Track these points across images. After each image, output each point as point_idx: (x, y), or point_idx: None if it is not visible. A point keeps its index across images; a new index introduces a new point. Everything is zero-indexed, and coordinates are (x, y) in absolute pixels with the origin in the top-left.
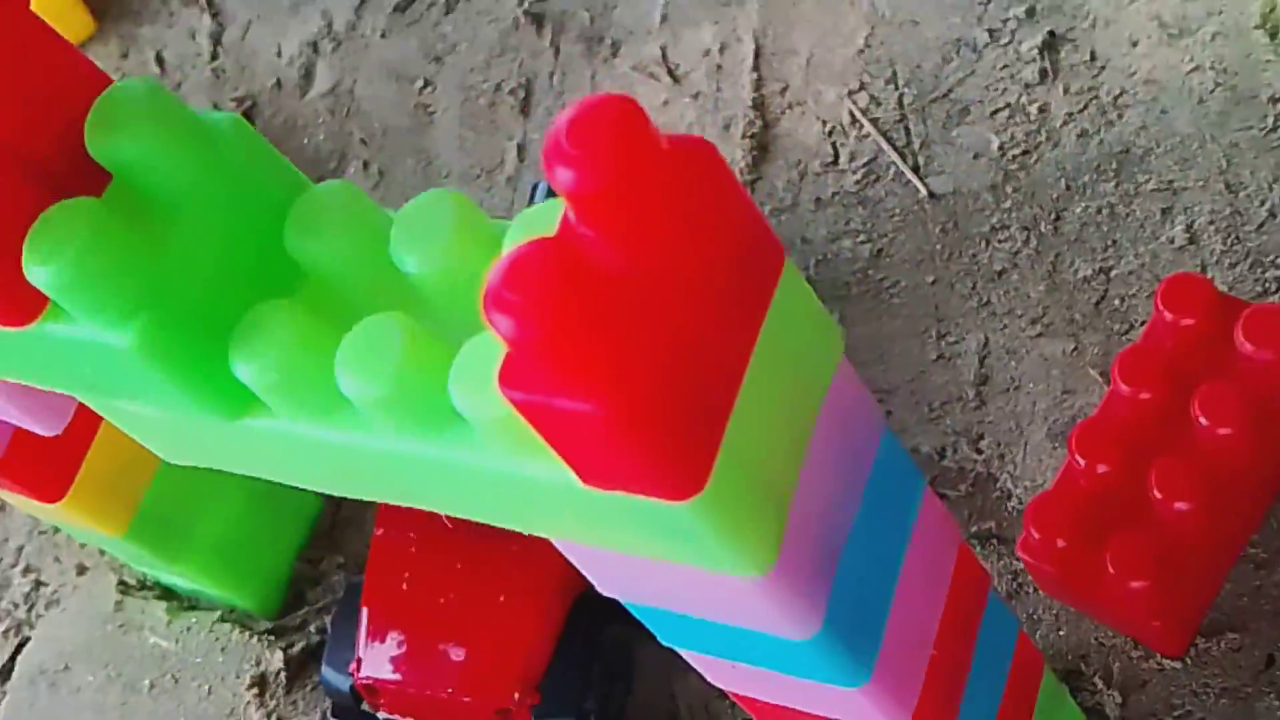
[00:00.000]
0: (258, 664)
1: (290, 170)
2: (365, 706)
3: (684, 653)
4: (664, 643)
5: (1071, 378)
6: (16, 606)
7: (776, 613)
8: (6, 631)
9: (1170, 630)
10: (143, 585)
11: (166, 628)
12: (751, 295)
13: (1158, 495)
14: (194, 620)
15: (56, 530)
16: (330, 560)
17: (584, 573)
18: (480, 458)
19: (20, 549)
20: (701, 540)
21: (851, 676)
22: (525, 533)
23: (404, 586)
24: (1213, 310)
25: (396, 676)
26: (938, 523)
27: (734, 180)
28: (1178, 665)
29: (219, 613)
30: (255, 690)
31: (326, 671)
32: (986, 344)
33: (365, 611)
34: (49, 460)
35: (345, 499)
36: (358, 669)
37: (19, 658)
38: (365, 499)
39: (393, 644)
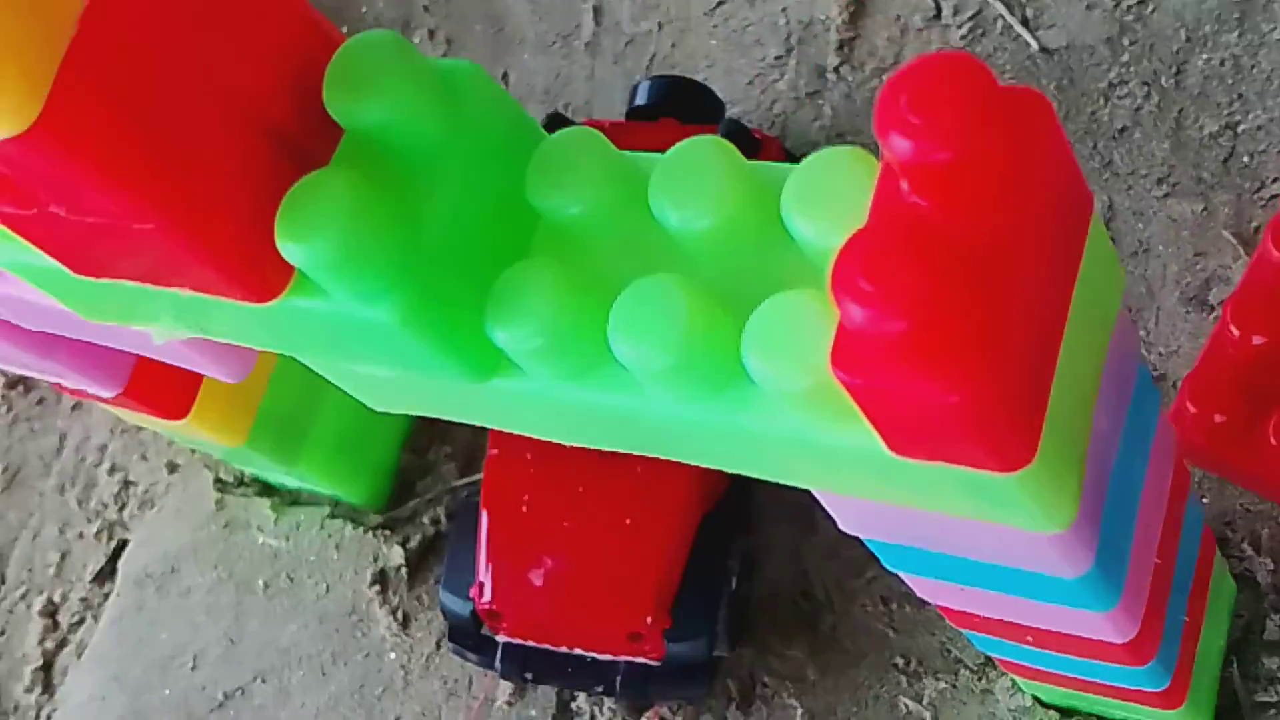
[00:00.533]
0: (376, 560)
1: (524, 116)
2: (485, 630)
3: (909, 577)
4: (889, 567)
5: (1202, 240)
6: (106, 507)
7: (1057, 557)
8: (99, 533)
9: None
10: (241, 482)
11: (274, 525)
12: (1068, 252)
13: None
14: (301, 517)
15: (140, 428)
16: (438, 450)
17: (834, 513)
18: (774, 424)
19: (104, 447)
20: (1017, 505)
21: (1105, 603)
22: (805, 487)
23: (524, 509)
24: None
25: (520, 600)
26: (1165, 437)
27: (1062, 134)
28: None
29: (327, 508)
30: (377, 587)
31: (444, 595)
32: (1111, 206)
33: (485, 535)
34: (172, 381)
35: None
36: (479, 594)
37: (120, 560)
38: (622, 450)
39: (516, 568)
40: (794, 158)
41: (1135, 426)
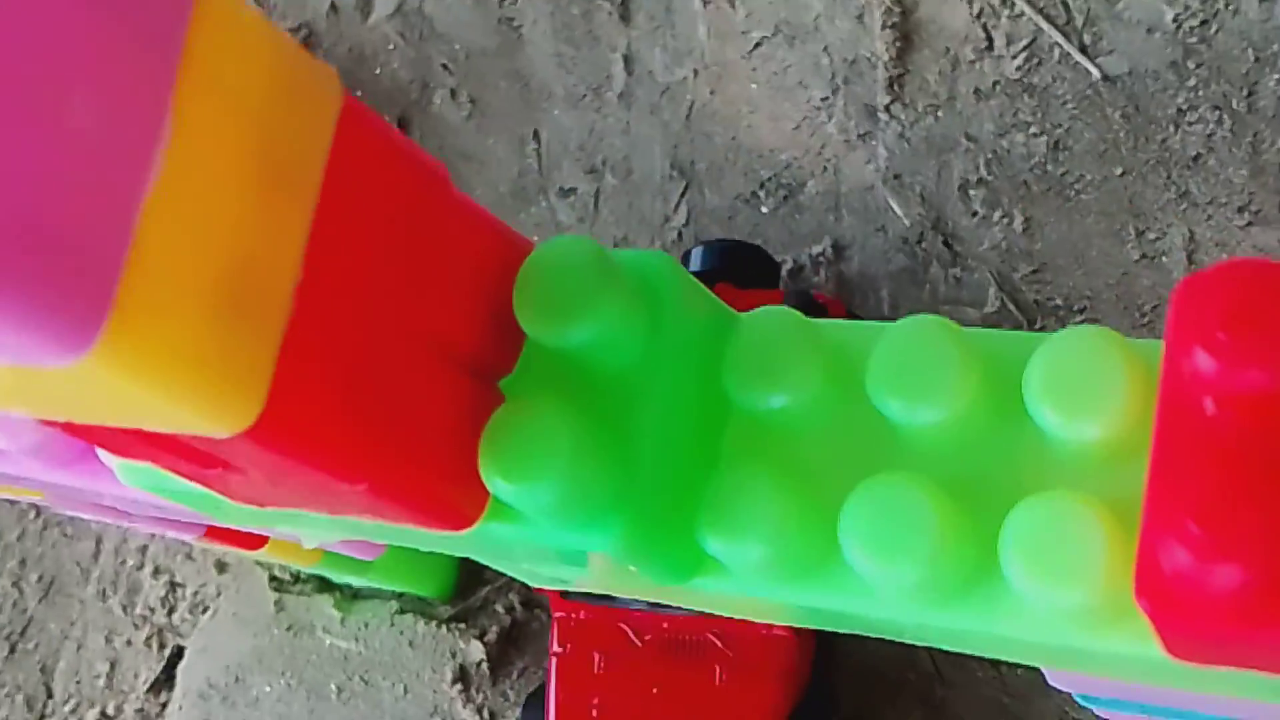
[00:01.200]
0: (454, 656)
1: (715, 302)
2: None
3: (1098, 710)
4: (1082, 703)
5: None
6: (154, 611)
7: None
8: (149, 639)
9: None
10: (297, 579)
11: (340, 625)
12: None
13: None
14: (370, 615)
15: None
16: None
17: (1044, 671)
18: (1036, 633)
19: (144, 549)
20: None
21: None
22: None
23: (594, 713)
24: None
25: None
26: None
27: None
28: None
29: (394, 603)
30: (459, 685)
31: None
32: (1192, 238)
33: None
34: None
35: None
36: None
37: (179, 670)
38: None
39: None
40: (856, 317)
41: None
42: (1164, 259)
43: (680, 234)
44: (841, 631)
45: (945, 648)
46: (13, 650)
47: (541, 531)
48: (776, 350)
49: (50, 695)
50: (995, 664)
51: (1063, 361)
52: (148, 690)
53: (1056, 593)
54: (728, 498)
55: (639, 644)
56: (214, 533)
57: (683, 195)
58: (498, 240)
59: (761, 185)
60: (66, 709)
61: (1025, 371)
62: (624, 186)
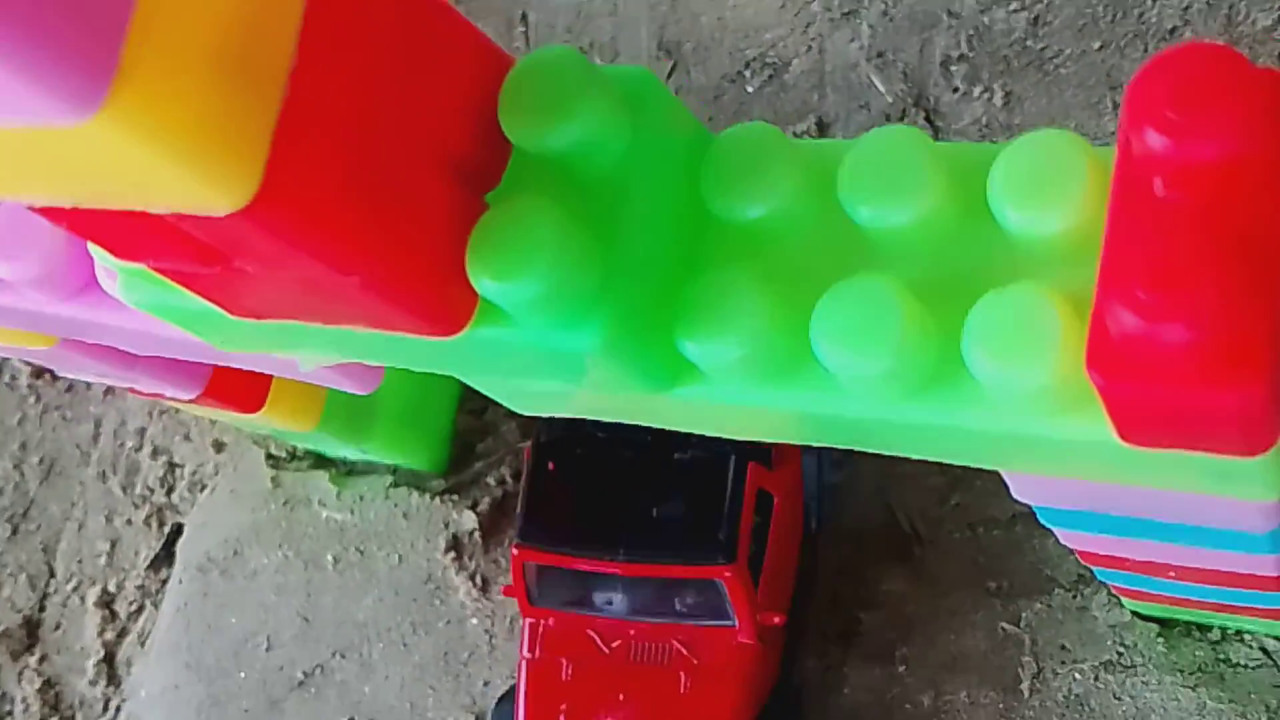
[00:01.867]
0: (447, 526)
1: (693, 120)
2: None
3: (1059, 529)
4: (1045, 523)
5: None
6: (153, 491)
7: (1260, 519)
8: (148, 518)
9: None
10: (293, 456)
11: (336, 499)
12: None
13: None
14: (364, 488)
15: (178, 409)
16: (495, 410)
17: (1008, 482)
18: (997, 421)
19: (143, 431)
20: (1248, 481)
21: (1276, 546)
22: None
23: (562, 719)
24: None
25: None
26: None
27: None
28: None
29: (389, 477)
30: (452, 554)
31: None
32: None
33: None
34: (246, 379)
35: None
36: None
37: (178, 545)
38: (810, 443)
39: None
40: None
41: None
42: None
43: None
44: (812, 445)
45: (912, 454)
46: (15, 531)
47: (528, 333)
48: (752, 162)
49: (53, 574)
50: (971, 526)
51: (1025, 162)
52: (148, 567)
53: (1015, 377)
54: (705, 301)
55: (606, 651)
56: (212, 390)
57: (670, 75)
58: (485, 52)
59: (747, 64)
60: (69, 587)
61: (989, 173)
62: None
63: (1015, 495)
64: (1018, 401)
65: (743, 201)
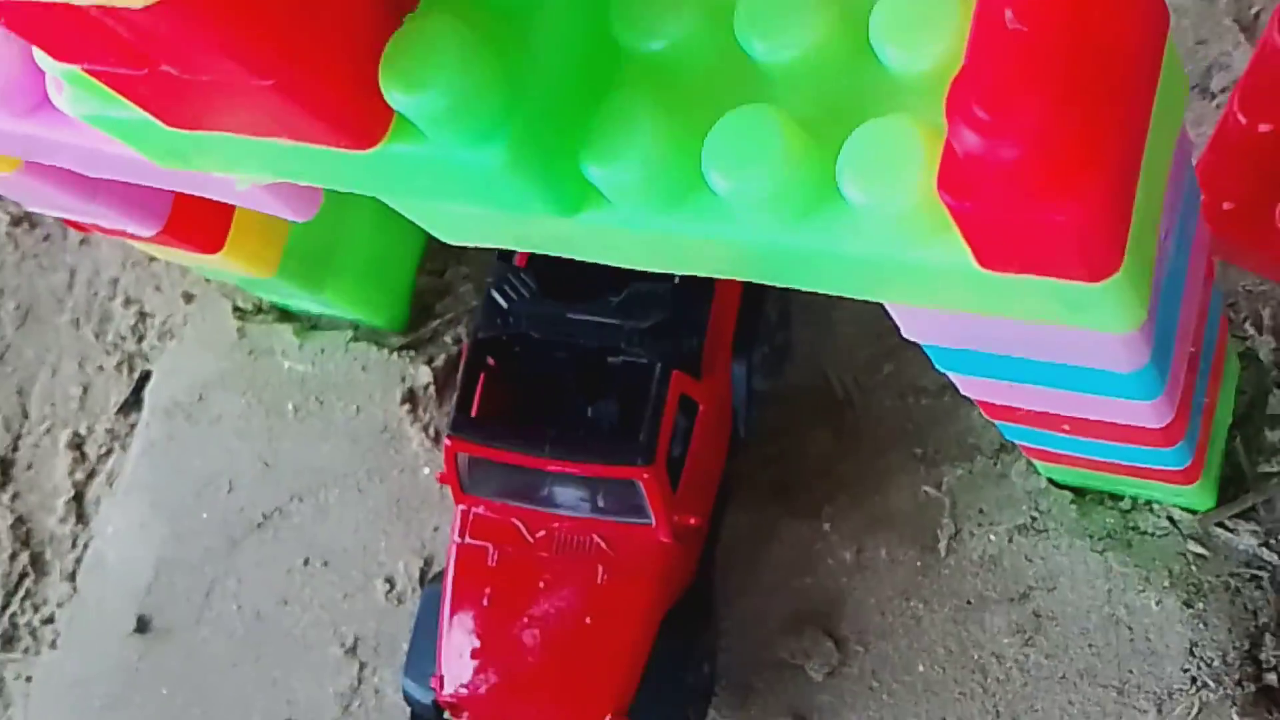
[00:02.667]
0: (403, 380)
1: None
2: (447, 718)
3: (957, 376)
4: (941, 368)
5: (1203, 27)
6: (124, 339)
7: (1123, 355)
8: (119, 365)
9: None
10: (259, 309)
11: (299, 350)
12: (1150, 69)
13: None
14: (325, 341)
15: (152, 260)
16: (455, 270)
17: (895, 319)
18: (868, 245)
19: (115, 281)
20: (1099, 310)
21: (1153, 392)
22: (886, 302)
23: (485, 602)
24: None
25: (481, 695)
26: (1203, 233)
27: None
28: None
29: (349, 332)
30: (407, 406)
31: (406, 682)
32: None
33: (447, 625)
34: (207, 218)
35: None
36: (440, 685)
37: (146, 391)
38: (708, 274)
39: (476, 661)
40: None
41: (1185, 228)
42: None
43: None
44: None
45: (797, 285)
46: None
47: (438, 148)
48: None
49: (26, 416)
50: (901, 394)
51: (903, 3)
52: (118, 411)
53: (882, 201)
54: (607, 127)
55: (531, 540)
56: (171, 228)
57: None
58: None
59: None
60: (41, 429)
61: (871, 13)
62: None
63: (904, 333)
64: (887, 226)
65: (646, 34)
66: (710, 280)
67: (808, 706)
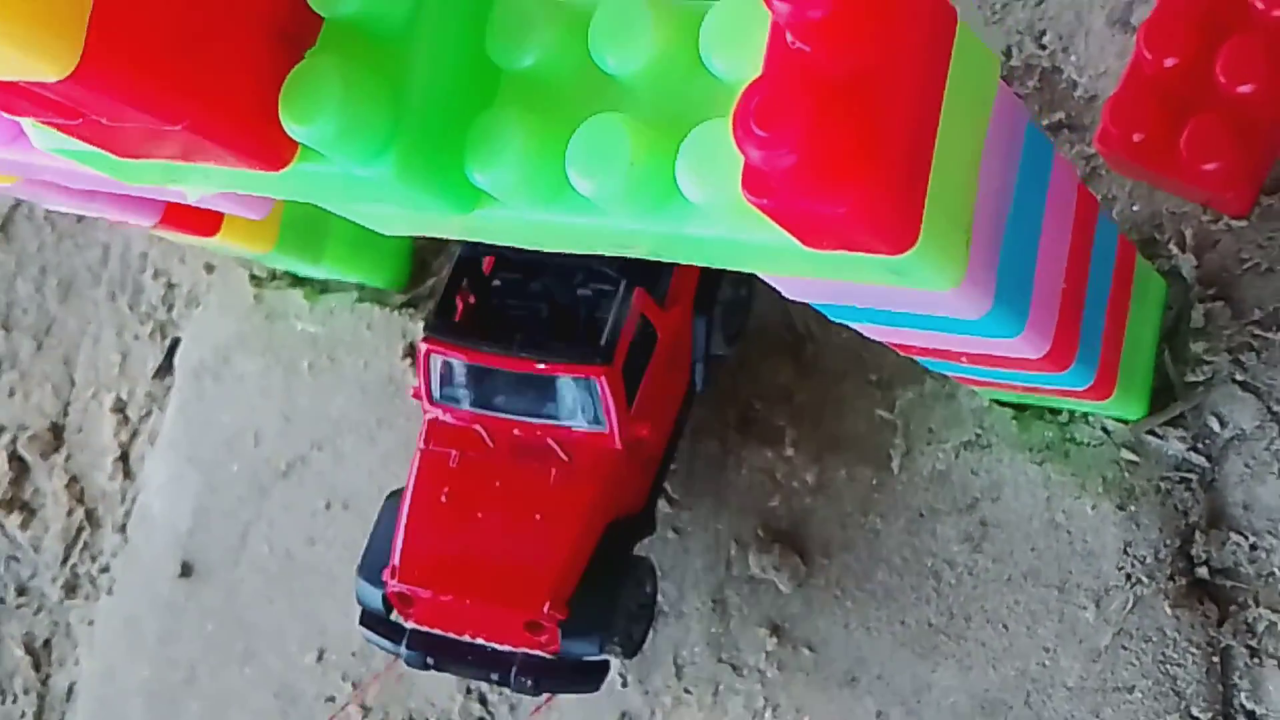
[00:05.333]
0: (404, 335)
1: None
2: (395, 617)
3: (847, 323)
4: (833, 319)
5: None
6: (155, 309)
7: (958, 305)
8: (152, 333)
9: (1239, 195)
10: (274, 276)
11: (310, 313)
12: (937, 63)
13: (1223, 80)
14: (333, 303)
15: None
16: None
17: (773, 283)
18: (710, 231)
19: (145, 255)
20: (911, 274)
21: (1012, 330)
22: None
23: (443, 499)
24: None
25: (430, 584)
26: (1064, 177)
27: None
28: (1244, 224)
29: (355, 293)
30: (409, 359)
31: (359, 583)
32: None
33: (404, 520)
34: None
35: None
36: (391, 575)
37: (176, 356)
38: (588, 251)
39: (429, 553)
40: None
41: (1030, 178)
42: None
43: None
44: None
45: (666, 258)
46: (40, 346)
47: (338, 166)
48: (525, 18)
49: (73, 383)
50: None
51: (726, 20)
52: (154, 376)
53: (713, 197)
54: (486, 138)
55: (491, 444)
56: (169, 218)
57: None
58: None
59: None
60: (88, 394)
61: (701, 28)
62: None
63: (785, 295)
64: (722, 217)
65: (517, 52)
66: None
67: (780, 616)
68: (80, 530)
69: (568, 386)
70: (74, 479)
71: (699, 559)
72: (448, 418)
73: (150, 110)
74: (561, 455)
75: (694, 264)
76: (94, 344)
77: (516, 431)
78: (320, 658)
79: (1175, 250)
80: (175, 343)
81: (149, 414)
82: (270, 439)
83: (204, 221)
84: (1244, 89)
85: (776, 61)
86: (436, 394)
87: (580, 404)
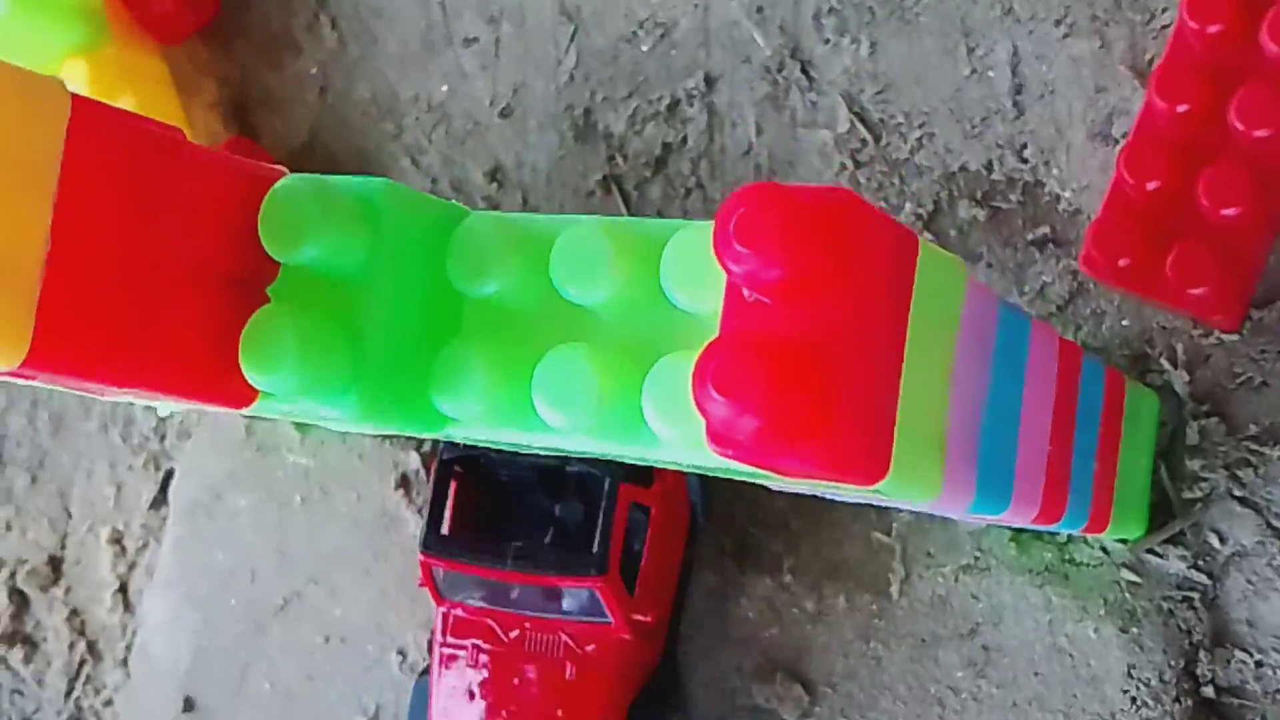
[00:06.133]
0: (395, 465)
1: (444, 207)
2: None
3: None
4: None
5: (1102, 75)
6: (148, 439)
7: (942, 506)
8: (146, 464)
9: (1228, 315)
10: None
11: (300, 445)
12: (899, 294)
13: (1206, 204)
14: (323, 434)
15: None
16: None
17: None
18: (677, 459)
19: None
20: (889, 495)
21: (997, 510)
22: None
23: (466, 698)
24: (1239, 11)
25: None
26: (1043, 341)
27: (871, 210)
28: (1235, 337)
29: None
30: (401, 490)
31: None
32: (1016, 52)
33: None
34: None
35: None
36: None
37: (170, 490)
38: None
39: None
40: None
41: (1006, 359)
42: (991, 73)
43: (572, 75)
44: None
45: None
46: (34, 480)
47: (300, 410)
48: (486, 248)
49: (70, 516)
50: None
51: (685, 252)
52: (150, 507)
53: (680, 433)
54: (450, 368)
55: (505, 640)
56: None
57: (572, 39)
58: (241, 178)
59: (640, 25)
60: (84, 528)
61: (661, 261)
62: (519, 33)
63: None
64: (690, 449)
65: (480, 282)
66: None
67: None
68: (83, 664)
69: (569, 589)
70: (74, 612)
71: (701, 690)
72: (459, 612)
73: (106, 381)
74: (574, 648)
75: (663, 466)
76: (88, 477)
77: (528, 625)
78: None
79: (1167, 365)
80: (169, 474)
81: (145, 545)
82: (266, 575)
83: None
84: (1228, 212)
85: (733, 318)
86: (443, 593)
87: (584, 602)
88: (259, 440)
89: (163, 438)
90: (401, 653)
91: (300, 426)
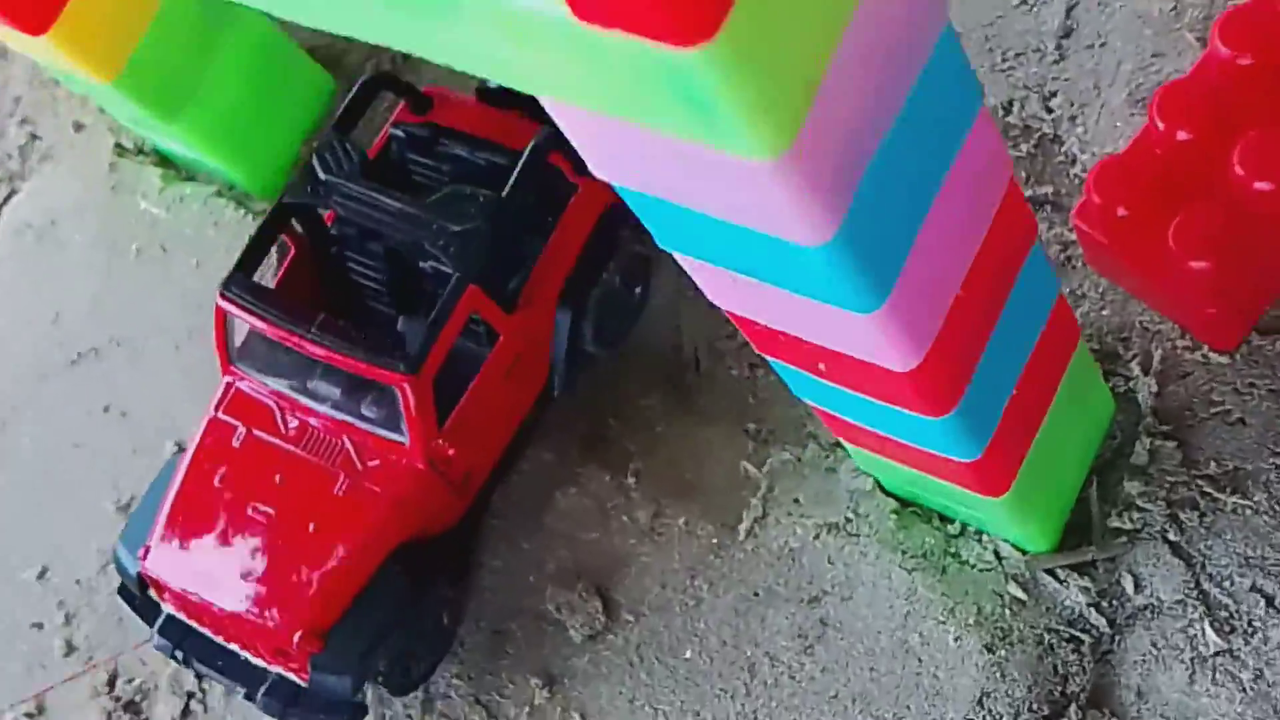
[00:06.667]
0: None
1: None
2: (151, 593)
3: (683, 260)
4: (661, 245)
5: (1164, 39)
6: (10, 157)
7: (785, 207)
8: (1, 180)
9: (1225, 320)
10: (140, 150)
11: (159, 195)
12: None
13: (1239, 170)
14: (187, 190)
15: (58, 83)
16: None
17: (577, 146)
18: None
19: (18, 99)
20: (708, 103)
21: (863, 300)
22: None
23: (217, 482)
24: None
25: (180, 580)
26: (989, 153)
27: None
28: (1225, 360)
29: (215, 188)
30: None
31: (120, 549)
32: None
33: (170, 499)
34: None
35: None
36: (145, 556)
37: (5, 208)
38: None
39: (186, 542)
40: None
41: (928, 111)
42: (1043, 8)
43: None
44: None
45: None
46: None
47: None
48: None
49: None
50: (753, 366)
51: None
52: None
53: None
54: None
55: (283, 429)
56: None
57: None
58: None
59: None
60: None
61: None
62: None
63: (592, 170)
64: None
65: None
66: (555, 211)
67: (561, 668)
68: None
69: (374, 386)
70: None
71: (489, 575)
72: (244, 386)
73: None
74: (355, 461)
75: (468, 69)
76: None
77: (314, 422)
78: (42, 575)
79: (1137, 371)
80: (10, 194)
81: None
82: (70, 321)
83: (32, 12)
84: (1261, 185)
85: None
86: (234, 357)
87: (386, 410)
88: (119, 178)
89: (25, 159)
90: (180, 445)
91: (167, 177)
